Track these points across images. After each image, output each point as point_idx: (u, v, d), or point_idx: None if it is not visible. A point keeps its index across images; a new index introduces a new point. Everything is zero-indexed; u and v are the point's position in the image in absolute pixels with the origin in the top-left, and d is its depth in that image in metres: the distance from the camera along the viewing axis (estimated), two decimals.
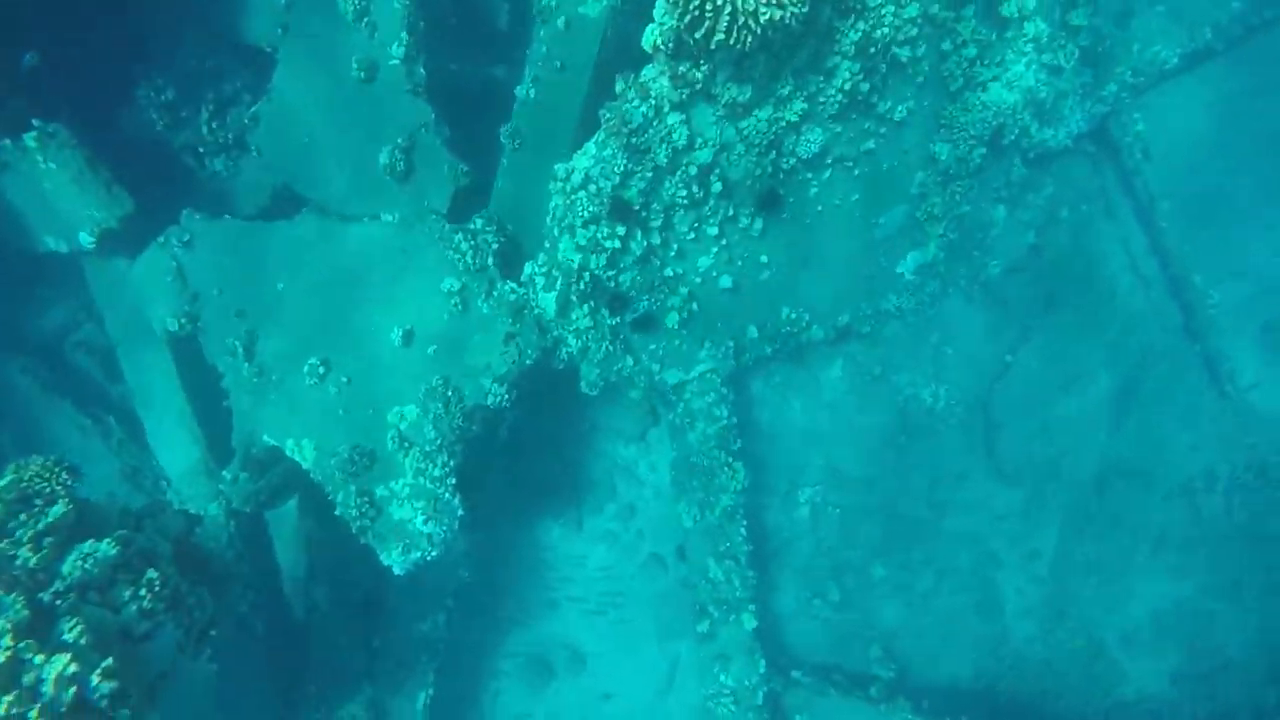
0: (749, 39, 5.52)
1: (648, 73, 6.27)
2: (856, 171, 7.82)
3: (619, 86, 6.32)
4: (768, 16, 5.34)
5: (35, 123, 8.02)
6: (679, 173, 6.71)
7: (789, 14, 5.41)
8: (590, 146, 6.55)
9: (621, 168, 6.44)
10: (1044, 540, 9.61)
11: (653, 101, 6.28)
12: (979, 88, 7.86)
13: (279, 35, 8.44)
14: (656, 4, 5.86)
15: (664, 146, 6.46)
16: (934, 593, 9.71)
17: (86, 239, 8.53)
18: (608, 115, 6.36)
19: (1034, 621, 9.38)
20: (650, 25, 5.94)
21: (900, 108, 7.52)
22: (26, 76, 8.28)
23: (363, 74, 7.94)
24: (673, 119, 6.39)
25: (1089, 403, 9.60)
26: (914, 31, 6.87)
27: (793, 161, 7.25)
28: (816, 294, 8.53)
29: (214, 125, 8.81)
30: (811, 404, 9.73)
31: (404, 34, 7.84)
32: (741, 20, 5.34)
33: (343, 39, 7.98)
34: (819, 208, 7.84)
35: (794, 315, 8.45)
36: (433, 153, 7.98)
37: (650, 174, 6.59)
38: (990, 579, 9.67)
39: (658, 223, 6.93)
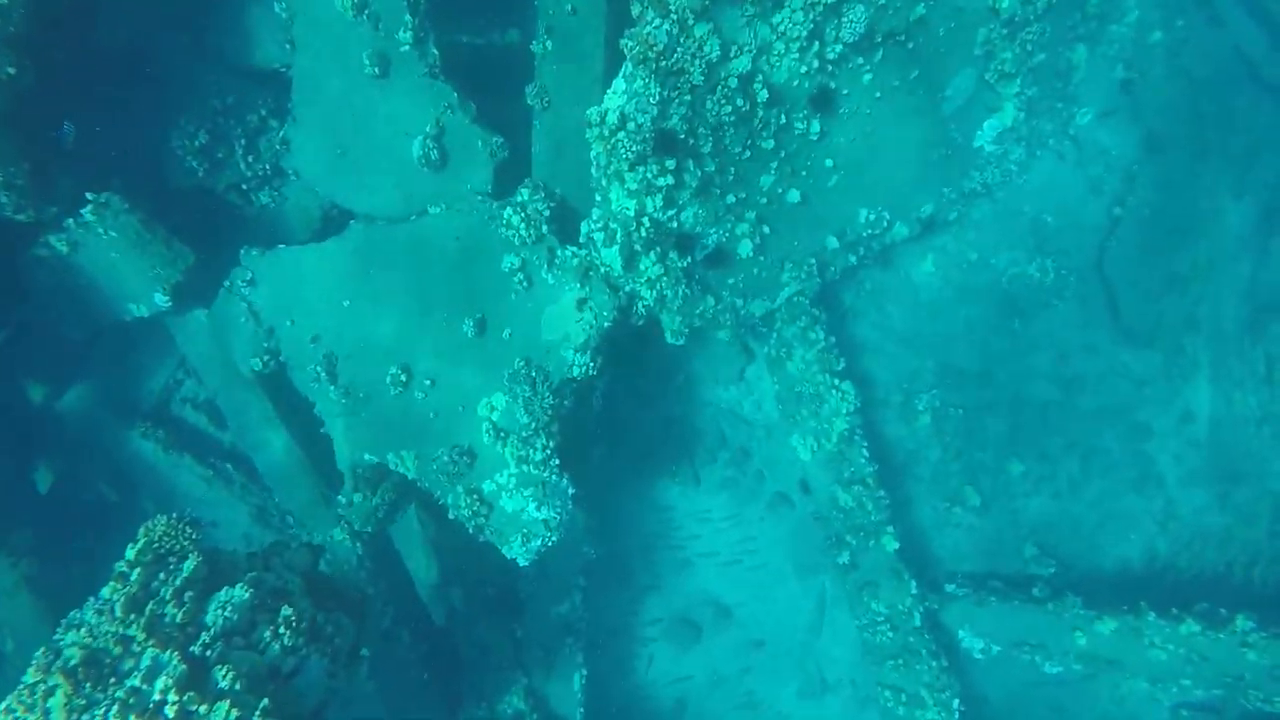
0: None
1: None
2: (910, 45, 7.05)
3: (635, 9, 5.76)
4: None
5: (89, 196, 8.03)
6: (719, 89, 6.13)
7: None
8: (619, 82, 6.03)
9: (657, 97, 5.91)
10: (1196, 398, 8.69)
11: (674, 16, 5.70)
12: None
13: (289, 51, 8.19)
14: None
15: (697, 63, 5.89)
16: (1082, 478, 8.94)
17: (161, 298, 8.55)
18: (630, 43, 5.82)
19: (1203, 488, 8.52)
20: None
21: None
22: (70, 152, 8.29)
23: (376, 69, 7.60)
24: (700, 30, 5.80)
25: (1221, 238, 8.57)
26: None
27: (839, 49, 6.54)
28: (892, 188, 7.82)
29: (249, 159, 8.67)
30: (909, 306, 9.02)
31: (408, 17, 7.45)
32: None
33: (348, 38, 7.66)
34: (877, 94, 7.11)
35: (872, 216, 7.78)
36: (463, 133, 7.61)
37: (689, 97, 6.03)
38: (1142, 451, 8.83)
39: (708, 147, 6.37)
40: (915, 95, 7.43)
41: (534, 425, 7.05)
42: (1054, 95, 8.41)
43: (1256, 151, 8.40)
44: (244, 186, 8.86)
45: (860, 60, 6.84)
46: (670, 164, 6.10)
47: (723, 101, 6.15)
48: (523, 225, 6.90)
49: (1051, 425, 9.01)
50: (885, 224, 7.93)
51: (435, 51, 7.63)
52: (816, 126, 6.83)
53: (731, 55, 6.06)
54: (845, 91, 6.92)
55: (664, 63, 5.86)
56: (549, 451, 7.03)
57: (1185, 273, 8.69)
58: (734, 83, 6.15)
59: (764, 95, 6.32)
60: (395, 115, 7.73)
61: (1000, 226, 8.81)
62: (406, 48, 7.54)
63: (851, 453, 8.33)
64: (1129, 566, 8.67)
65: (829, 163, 7.21)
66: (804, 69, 6.48)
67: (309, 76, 7.96)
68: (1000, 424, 9.07)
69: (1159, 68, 8.62)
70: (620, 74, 6.02)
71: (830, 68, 6.66)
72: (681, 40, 5.83)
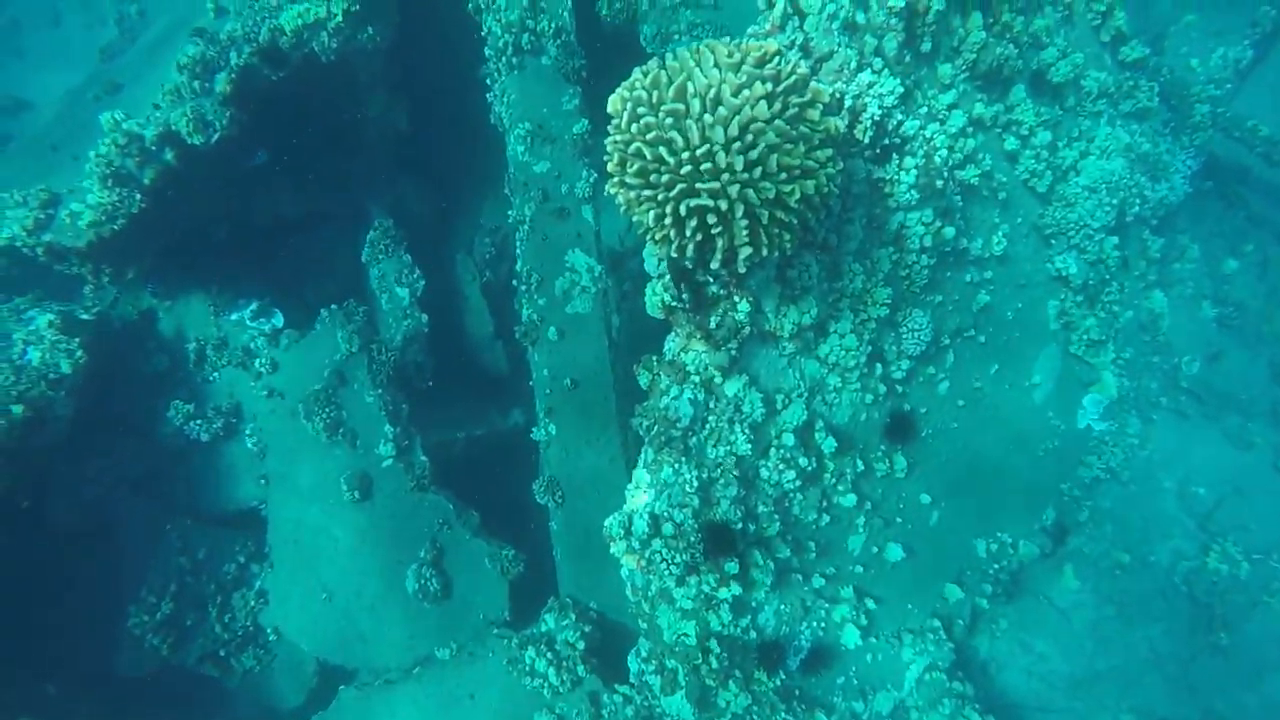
0: (785, 239, 3.56)
1: (671, 345, 4.30)
2: (981, 338, 5.60)
3: (643, 379, 4.33)
4: (797, 195, 3.40)
5: None
6: (773, 452, 4.52)
7: (824, 179, 3.48)
8: (640, 474, 4.43)
9: (694, 483, 4.27)
10: None
11: (696, 379, 4.24)
12: (1071, 173, 5.81)
13: (264, 487, 6.86)
14: (645, 257, 4.03)
15: (738, 429, 4.33)
16: None
17: None
18: (644, 423, 4.31)
19: None
20: (649, 288, 4.06)
21: (996, 239, 5.44)
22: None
23: (355, 492, 6.15)
24: (733, 388, 4.32)
25: None
26: (971, 143, 4.94)
27: (905, 365, 5.05)
28: (1004, 504, 5.96)
29: (226, 620, 7.00)
30: (1064, 638, 6.70)
31: (388, 426, 6.16)
32: (765, 217, 3.41)
33: (324, 463, 6.32)
34: (959, 402, 5.53)
35: (994, 546, 5.84)
36: (466, 549, 5.98)
37: (736, 473, 4.40)
38: None
39: (775, 528, 4.62)
40: (1001, 390, 5.86)
41: None
42: (1148, 350, 6.84)
43: None
44: (221, 652, 7.08)
45: (931, 370, 5.34)
46: (732, 567, 4.30)
47: (781, 467, 4.50)
48: (552, 670, 4.95)
49: None
50: (1009, 547, 5.97)
51: (424, 459, 6.25)
52: (901, 462, 5.14)
53: (779, 407, 4.53)
54: (923, 410, 5.34)
55: (694, 439, 4.30)
56: None
57: None
58: (790, 439, 4.54)
59: (830, 444, 4.69)
60: (385, 541, 6.15)
61: (1143, 513, 6.78)
62: (389, 462, 6.14)
63: None
64: None
65: (925, 498, 5.43)
66: (869, 399, 4.94)
67: (284, 516, 6.52)
68: None
69: (1256, 298, 7.13)
70: (639, 465, 4.44)
71: (899, 388, 5.13)
72: (712, 406, 4.32)
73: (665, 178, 3.30)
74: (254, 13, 6.02)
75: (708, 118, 3.24)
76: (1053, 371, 6.31)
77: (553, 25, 6.10)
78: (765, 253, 3.55)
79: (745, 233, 3.40)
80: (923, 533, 5.50)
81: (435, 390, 7.20)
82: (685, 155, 3.27)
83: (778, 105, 3.32)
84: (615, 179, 3.52)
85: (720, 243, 3.47)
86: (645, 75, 3.38)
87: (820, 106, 3.49)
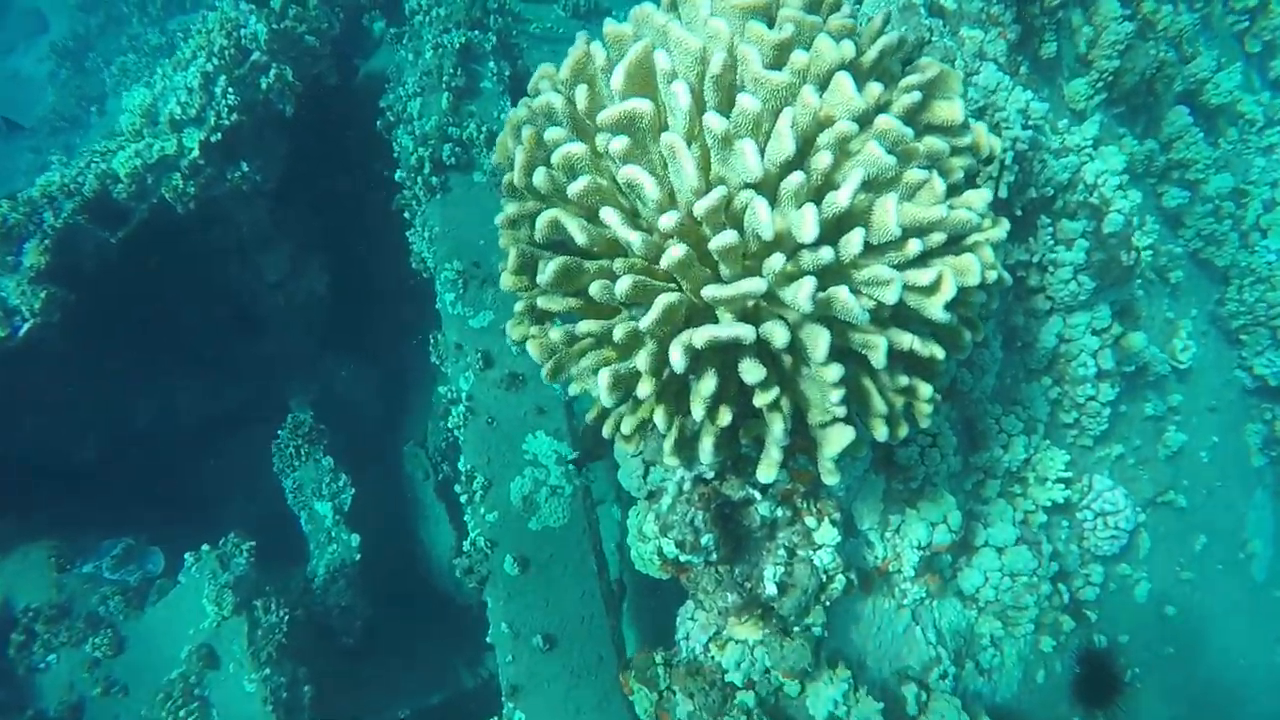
0: (923, 399, 1.49)
1: (692, 630, 2.08)
2: (1182, 500, 3.41)
3: (641, 704, 2.08)
4: (948, 291, 1.36)
5: None
6: None
7: (988, 251, 1.45)
8: None
9: None
10: None
11: (749, 699, 2.00)
12: (1254, 234, 3.79)
13: None
14: (618, 460, 1.95)
15: None
16: None
17: None
18: None
19: None
20: (631, 525, 1.95)
21: (1179, 343, 3.39)
22: None
23: None
24: (824, 703, 2.05)
25: None
26: (1137, 197, 2.93)
27: (1097, 573, 2.82)
28: None
29: None
30: None
31: None
32: (880, 352, 1.36)
33: None
34: (1167, 610, 3.27)
35: None
36: None
37: None
38: None
39: None
40: (1214, 572, 3.63)
41: None
42: None
43: None
44: None
45: (1125, 569, 3.09)
46: None
47: None
48: None
49: None
50: None
51: None
52: None
53: (913, 712, 2.26)
54: (1123, 638, 3.03)
55: None
56: None
57: None
58: None
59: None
60: None
61: None
62: None
63: None
64: None
65: None
66: (1048, 644, 2.67)
67: None
68: None
69: None
70: None
71: (1088, 612, 2.86)
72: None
73: (627, 283, 1.28)
74: (80, 159, 4.31)
75: (716, 125, 1.26)
76: (1269, 528, 4.06)
77: (483, 130, 4.34)
78: (883, 432, 1.47)
79: (836, 395, 1.34)
80: None
81: (372, 642, 4.94)
82: (669, 220, 1.27)
83: (873, 90, 1.37)
84: (520, 305, 1.51)
85: (777, 421, 1.40)
86: (560, 67, 1.44)
87: (958, 94, 1.53)
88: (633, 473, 1.99)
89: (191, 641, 4.15)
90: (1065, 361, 2.73)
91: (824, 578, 2.02)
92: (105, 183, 4.25)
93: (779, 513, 1.99)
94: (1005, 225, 1.68)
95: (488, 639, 3.98)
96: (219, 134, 4.30)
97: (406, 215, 4.63)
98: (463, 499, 3.99)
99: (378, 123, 4.74)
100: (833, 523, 2.04)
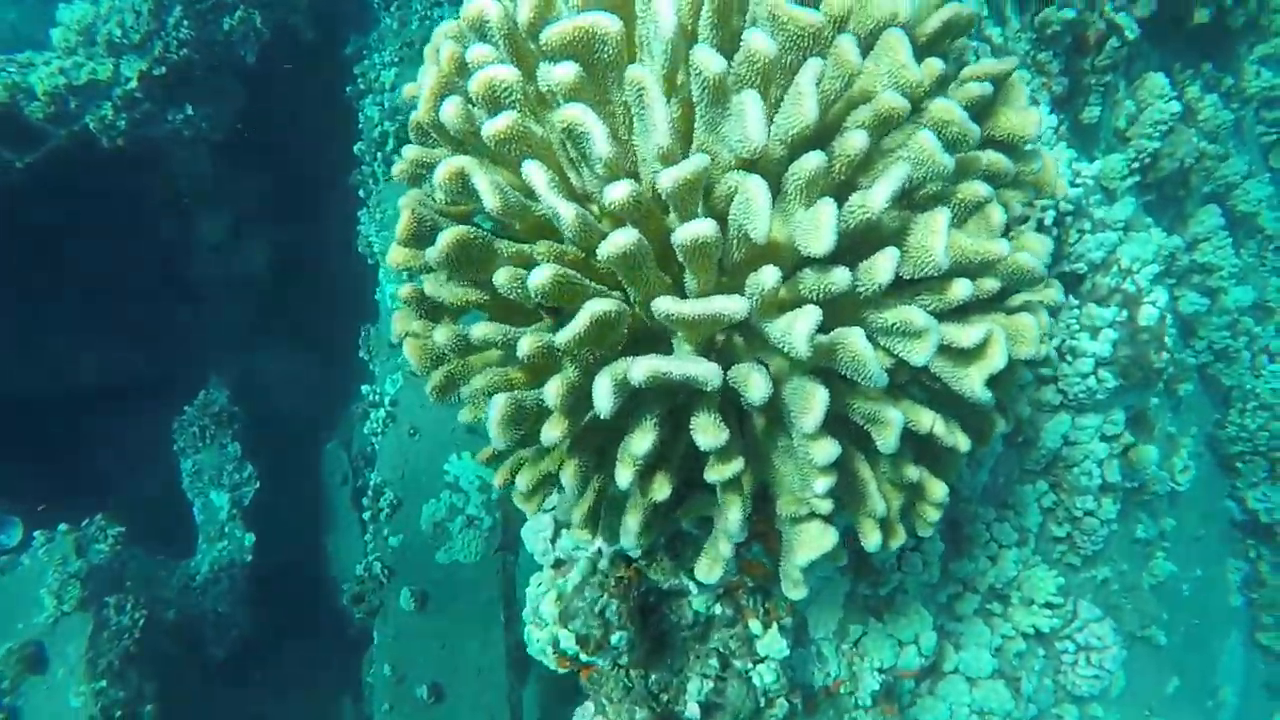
0: (932, 502, 1.08)
1: None
2: (1161, 637, 3.05)
3: None
4: (999, 354, 0.95)
5: None
6: None
7: (1041, 318, 1.05)
8: None
9: None
10: None
11: None
12: (1263, 357, 3.48)
13: None
14: (524, 535, 1.50)
15: None
16: None
17: None
18: None
19: None
20: (527, 616, 1.49)
21: (1179, 462, 3.02)
22: None
23: None
24: None
25: None
26: (1164, 293, 2.59)
27: (1073, 716, 2.39)
28: None
29: None
30: None
31: None
32: (893, 426, 0.94)
33: None
34: None
35: None
36: None
37: None
38: None
39: None
40: (1181, 714, 3.23)
41: None
42: None
43: None
44: None
45: (1096, 712, 2.67)
46: None
47: None
48: None
49: None
50: None
51: None
52: None
53: None
54: None
55: None
56: None
57: None
58: None
59: None
60: None
61: None
62: None
63: None
64: None
65: None
66: None
67: None
68: None
69: None
70: None
71: None
72: None
73: (545, 275, 0.85)
74: None
75: (709, 65, 0.85)
76: (1237, 675, 3.70)
77: None
78: (875, 540, 1.05)
79: (822, 483, 0.92)
80: None
81: (244, 660, 4.34)
82: (621, 191, 0.85)
83: (933, 66, 0.98)
84: (406, 290, 1.07)
85: (734, 507, 0.97)
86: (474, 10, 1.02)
87: (1030, 105, 1.15)
88: (539, 532, 1.53)
89: (16, 638, 3.52)
90: (1066, 467, 2.34)
91: (762, 700, 1.57)
92: (16, 96, 3.71)
93: (717, 610, 1.54)
94: (1059, 289, 1.29)
95: (368, 678, 3.46)
96: (163, 67, 3.81)
97: (361, 193, 4.16)
98: (366, 515, 3.47)
99: (347, 89, 4.29)
100: (782, 630, 1.59)
